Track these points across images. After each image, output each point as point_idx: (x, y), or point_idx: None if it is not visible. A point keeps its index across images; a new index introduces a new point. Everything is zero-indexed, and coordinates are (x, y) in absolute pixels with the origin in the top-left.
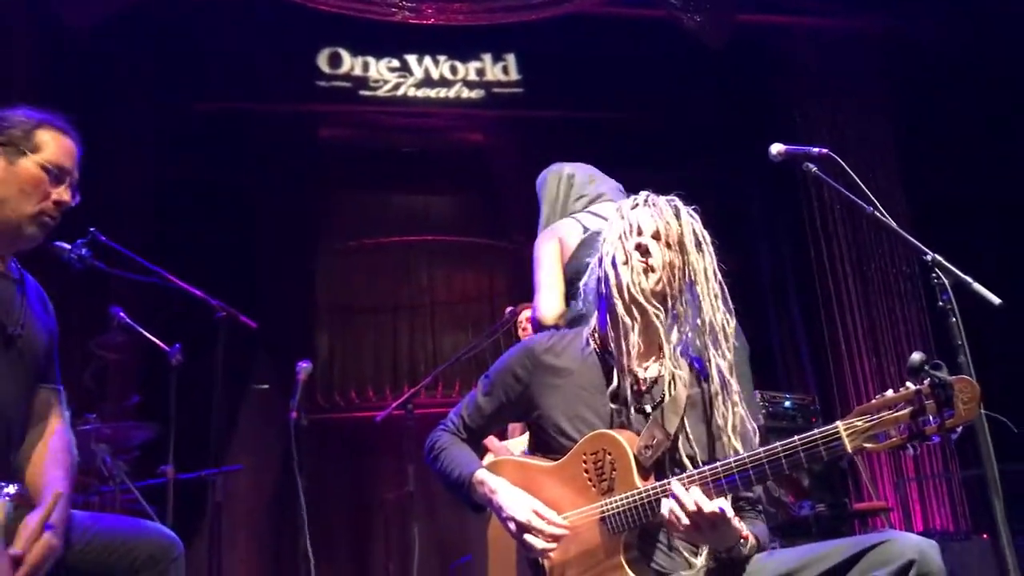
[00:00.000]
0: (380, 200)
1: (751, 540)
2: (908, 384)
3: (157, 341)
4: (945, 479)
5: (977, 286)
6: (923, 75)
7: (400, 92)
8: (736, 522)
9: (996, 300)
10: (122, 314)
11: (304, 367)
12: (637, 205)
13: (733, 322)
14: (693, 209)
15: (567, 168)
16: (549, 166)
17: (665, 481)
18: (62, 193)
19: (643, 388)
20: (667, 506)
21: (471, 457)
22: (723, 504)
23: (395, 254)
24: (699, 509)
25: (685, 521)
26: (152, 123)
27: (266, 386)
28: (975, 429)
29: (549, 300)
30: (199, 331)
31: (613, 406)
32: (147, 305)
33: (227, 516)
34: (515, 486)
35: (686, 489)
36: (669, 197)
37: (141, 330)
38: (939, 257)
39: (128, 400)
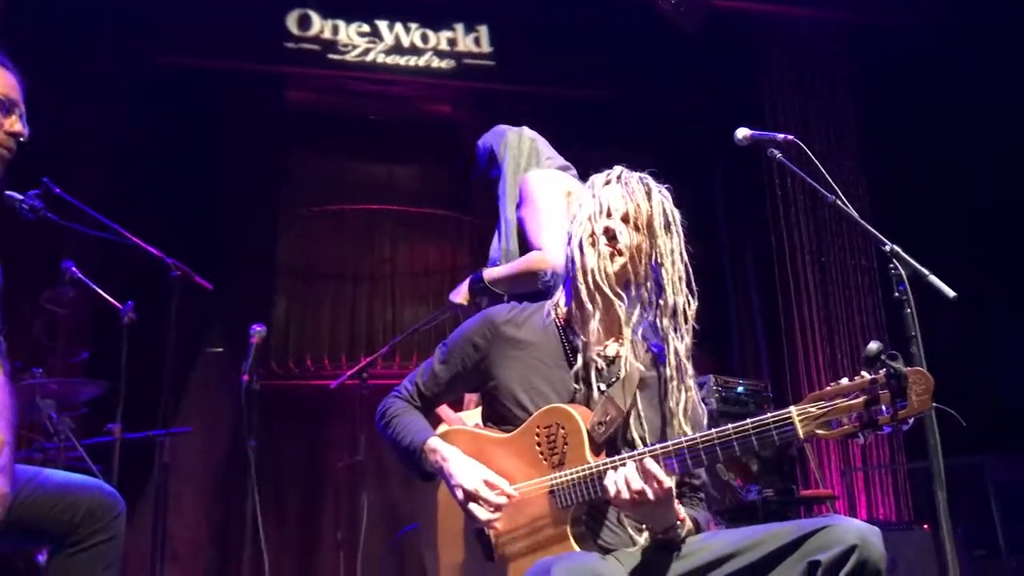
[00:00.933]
0: (344, 166)
1: (688, 523)
2: (863, 373)
3: (109, 298)
4: (891, 470)
5: (933, 278)
6: (890, 68)
7: (369, 58)
8: (676, 504)
9: (951, 293)
10: (74, 268)
11: (258, 330)
12: (609, 182)
13: (695, 304)
14: (666, 188)
15: (526, 131)
16: (502, 127)
17: (617, 457)
18: (13, 124)
19: (601, 367)
20: (613, 477)
21: (424, 425)
22: (668, 481)
23: (357, 222)
24: (647, 480)
25: (625, 495)
26: (114, 75)
27: (220, 349)
28: (923, 421)
29: (558, 246)
30: (153, 290)
31: (575, 386)
32: (101, 261)
33: (174, 478)
34: (467, 455)
35: (638, 463)
36: (642, 175)
37: (93, 286)
38: (897, 248)
39: (77, 356)
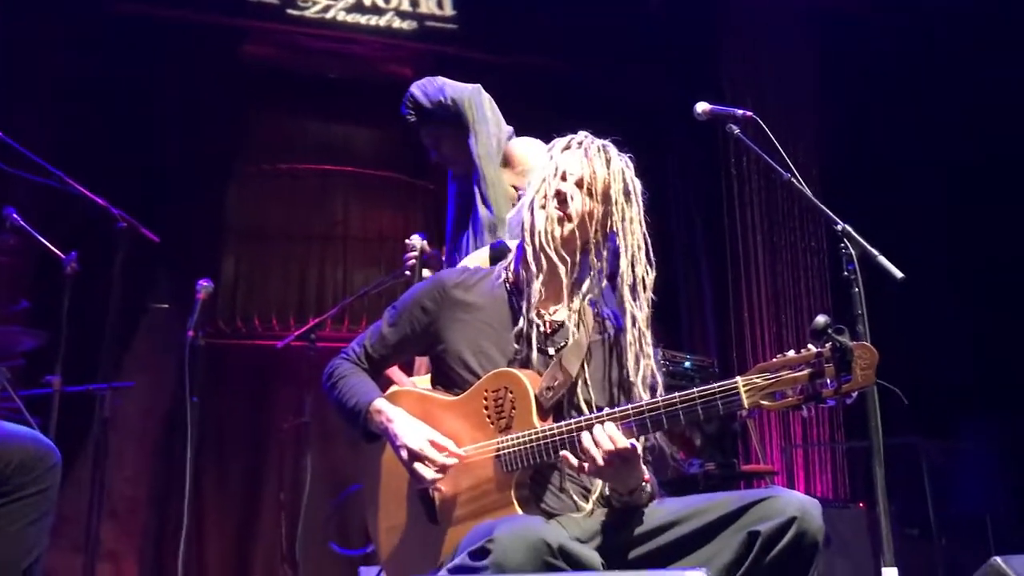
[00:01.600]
0: (299, 125)
1: (650, 485)
2: (810, 346)
3: (52, 247)
4: (830, 448)
5: (882, 259)
6: (848, 53)
7: (329, 15)
8: (642, 464)
9: (899, 274)
10: (16, 215)
11: (204, 286)
12: (569, 147)
13: (653, 274)
14: (629, 157)
15: (484, 93)
16: (455, 81)
17: (563, 423)
18: None
19: (549, 331)
20: (587, 439)
21: (370, 387)
22: (635, 442)
23: (311, 182)
24: (615, 445)
25: (599, 460)
26: (65, 22)
27: (166, 306)
28: (865, 399)
29: None
30: (98, 241)
31: (516, 345)
32: (44, 209)
33: (115, 433)
34: (413, 417)
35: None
36: (604, 143)
37: (35, 234)
38: (849, 228)
39: (16, 305)
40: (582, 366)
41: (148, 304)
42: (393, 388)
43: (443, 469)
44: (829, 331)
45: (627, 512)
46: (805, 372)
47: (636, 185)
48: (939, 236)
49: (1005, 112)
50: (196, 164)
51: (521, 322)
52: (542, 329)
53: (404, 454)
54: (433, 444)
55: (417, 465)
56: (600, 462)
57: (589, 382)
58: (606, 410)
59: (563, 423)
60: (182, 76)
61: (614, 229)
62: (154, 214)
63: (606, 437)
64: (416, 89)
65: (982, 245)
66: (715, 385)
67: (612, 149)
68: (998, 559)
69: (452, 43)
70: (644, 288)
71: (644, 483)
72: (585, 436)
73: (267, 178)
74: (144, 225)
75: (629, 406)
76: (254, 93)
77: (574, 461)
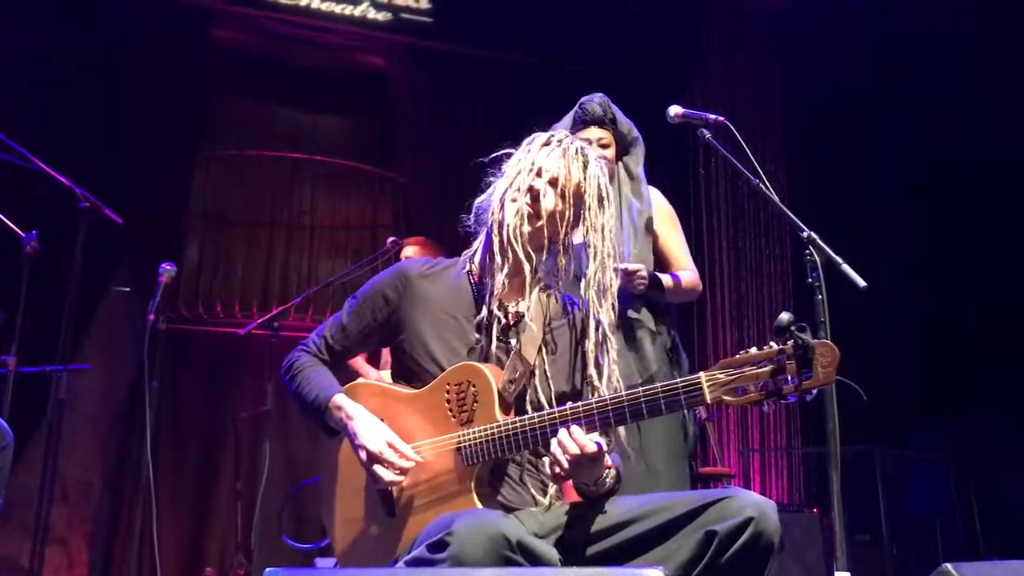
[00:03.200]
0: (268, 112)
1: (613, 470)
2: (772, 343)
3: (11, 224)
4: (787, 453)
5: (846, 267)
6: (816, 59)
7: (303, 2)
8: (606, 456)
9: (862, 283)
10: None
11: (167, 269)
12: (548, 144)
13: (618, 283)
14: (607, 163)
15: None
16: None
17: (530, 416)
18: None
19: (511, 322)
20: (553, 446)
21: (330, 380)
22: (599, 439)
23: (278, 169)
24: (581, 450)
25: (566, 466)
26: (29, 1)
27: (127, 289)
28: (823, 403)
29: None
30: (60, 221)
31: (476, 336)
32: (5, 186)
33: (70, 417)
34: (373, 413)
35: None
36: (583, 145)
37: None
38: (814, 235)
39: None
40: (540, 356)
41: (109, 286)
42: (355, 381)
43: (401, 472)
44: (792, 328)
45: (585, 508)
46: (767, 368)
47: (610, 192)
48: (894, 244)
49: (975, 114)
50: (162, 147)
51: (483, 312)
52: (504, 321)
53: (363, 455)
54: (392, 447)
55: (375, 466)
56: (567, 467)
57: (548, 372)
58: (568, 405)
59: (525, 417)
60: (149, 57)
61: (585, 232)
62: (118, 195)
63: (572, 442)
64: (617, 113)
65: (938, 255)
66: (678, 380)
67: (590, 152)
68: (948, 566)
69: (427, 36)
70: (609, 296)
71: (607, 470)
72: (552, 443)
73: (234, 164)
74: (107, 206)
75: (592, 401)
76: (222, 78)
77: (545, 467)
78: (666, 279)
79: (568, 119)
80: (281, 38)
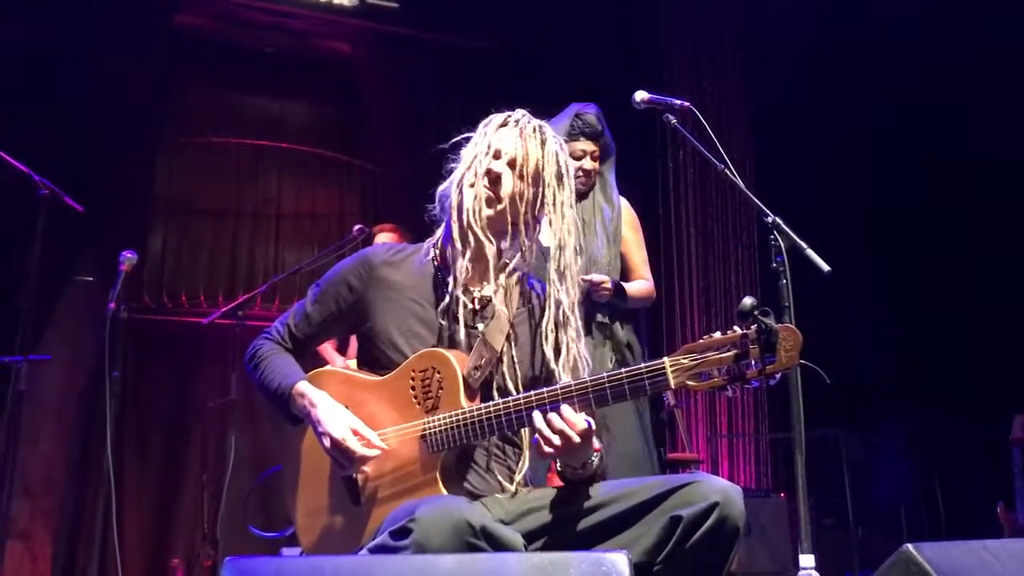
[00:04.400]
0: (233, 98)
1: (599, 455)
2: (736, 327)
3: None
4: (754, 439)
5: (810, 252)
6: (781, 50)
7: None
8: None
9: (826, 267)
10: None
11: (128, 257)
12: (505, 124)
13: (581, 261)
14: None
15: None
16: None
17: (495, 402)
18: None
19: (476, 307)
20: (540, 422)
21: (293, 368)
22: (589, 419)
23: (244, 157)
24: (574, 428)
25: (557, 441)
26: None
27: (90, 279)
28: (788, 388)
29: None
30: (19, 209)
31: (442, 322)
32: None
33: (31, 408)
34: (337, 400)
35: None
36: (540, 124)
37: None
38: (779, 220)
39: None
40: (507, 342)
41: (71, 276)
42: (319, 368)
43: (365, 460)
44: (755, 313)
45: (551, 494)
46: (730, 353)
47: (569, 169)
48: (862, 233)
49: (934, 111)
50: (124, 134)
51: (447, 299)
52: (469, 306)
53: (327, 442)
54: (356, 434)
55: (339, 454)
56: (559, 444)
57: (516, 358)
58: (533, 392)
59: (490, 403)
60: (112, 43)
61: (545, 212)
62: (80, 184)
63: (561, 420)
64: (601, 119)
65: (904, 243)
66: (643, 365)
67: (548, 130)
68: (909, 546)
69: (393, 22)
70: (571, 275)
71: (595, 453)
72: (538, 418)
73: (199, 151)
74: (69, 194)
75: (557, 387)
76: (187, 64)
77: (544, 439)
78: (630, 287)
79: (563, 124)
80: (246, 24)
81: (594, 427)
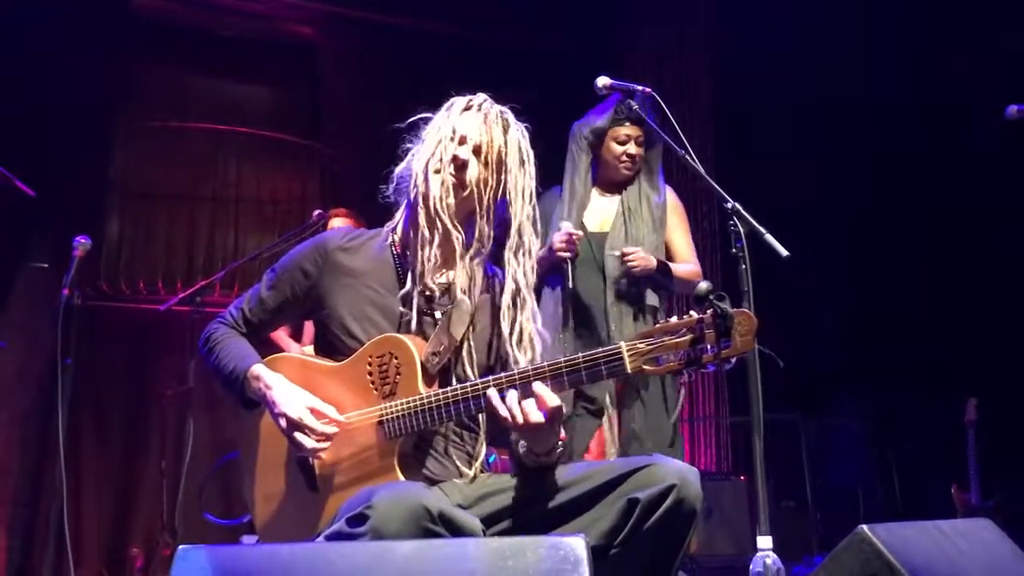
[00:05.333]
0: (192, 82)
1: (563, 444)
2: (692, 312)
3: None
4: (715, 422)
5: (768, 237)
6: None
7: None
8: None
9: (784, 252)
10: None
11: (82, 243)
12: (469, 108)
13: (539, 244)
14: (525, 127)
15: None
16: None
17: (453, 388)
18: None
19: (435, 294)
20: (513, 397)
21: (248, 351)
22: (556, 400)
23: (203, 142)
24: (546, 404)
25: (520, 419)
26: None
27: (45, 265)
28: (746, 370)
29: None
30: None
31: (402, 309)
32: None
33: None
34: (293, 383)
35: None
36: (503, 109)
37: None
38: (738, 206)
39: None
40: (468, 330)
41: (25, 262)
42: (276, 354)
43: (324, 438)
44: (711, 297)
45: (509, 478)
46: (687, 338)
47: (530, 155)
48: (822, 218)
49: (891, 103)
50: (80, 117)
51: (408, 285)
52: (429, 293)
53: (283, 422)
54: (313, 411)
55: (296, 434)
56: (533, 419)
57: (474, 346)
58: (491, 377)
59: (448, 389)
60: (67, 24)
61: (506, 197)
62: (32, 168)
63: (532, 401)
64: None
65: (863, 227)
66: (600, 350)
67: (510, 116)
68: (864, 527)
69: (355, 5)
70: (529, 255)
71: (560, 442)
72: (511, 396)
73: (157, 135)
74: (21, 179)
75: (515, 371)
76: (144, 46)
77: (504, 412)
78: (675, 267)
79: (608, 112)
80: (205, 6)
81: (564, 412)
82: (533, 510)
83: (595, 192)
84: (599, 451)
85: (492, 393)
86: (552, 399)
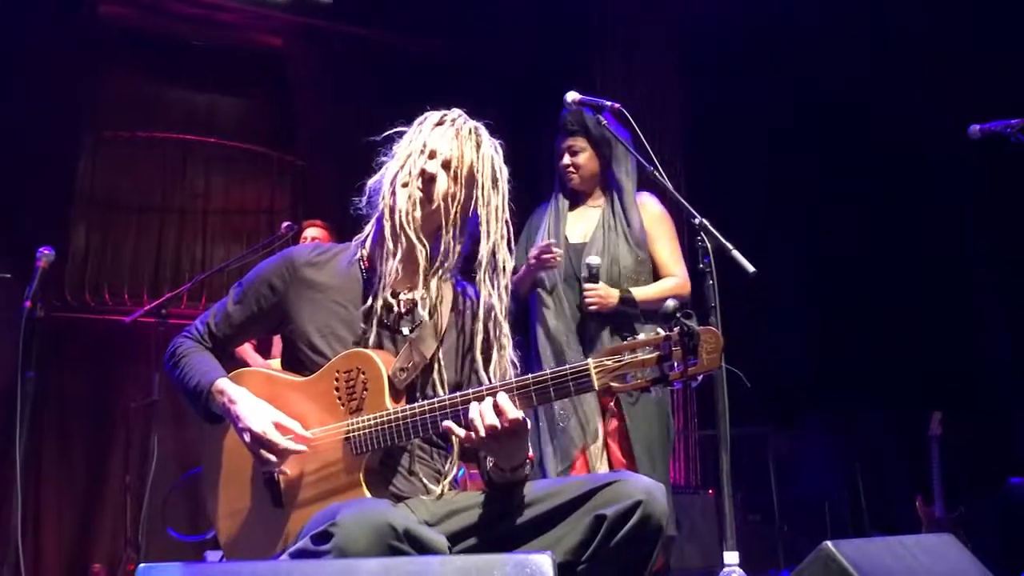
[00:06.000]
0: (160, 92)
1: (532, 463)
2: (659, 329)
3: None
4: (683, 436)
5: (735, 253)
6: (714, 59)
7: None
8: (528, 439)
9: (751, 268)
10: None
11: (45, 254)
12: (442, 123)
13: (512, 264)
14: (500, 144)
15: None
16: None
17: (420, 404)
18: None
19: (403, 310)
20: (475, 410)
21: (213, 365)
22: (519, 414)
23: (170, 152)
24: (506, 415)
25: (481, 431)
26: None
27: (7, 275)
28: (715, 386)
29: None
30: None
31: (363, 325)
32: None
33: None
34: (259, 398)
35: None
36: (477, 124)
37: None
38: (705, 221)
39: None
40: (437, 349)
41: None
42: (241, 369)
43: (288, 453)
44: (678, 315)
45: (476, 495)
46: (653, 355)
47: (504, 172)
48: (790, 234)
49: (859, 118)
50: (43, 126)
51: (371, 301)
52: (396, 309)
53: (247, 437)
54: (278, 427)
55: (261, 449)
56: (483, 433)
57: (443, 364)
58: (458, 394)
59: (415, 405)
60: (33, 32)
61: (476, 212)
62: None
63: (492, 409)
64: (585, 110)
65: (830, 243)
66: (567, 367)
67: (483, 132)
68: (829, 543)
69: (326, 17)
70: (503, 276)
71: (528, 460)
72: (473, 407)
73: (124, 145)
74: None
75: (483, 388)
76: (112, 55)
77: (460, 432)
78: (645, 291)
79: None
80: (174, 15)
81: (529, 425)
82: (500, 527)
83: (578, 206)
84: (584, 467)
85: (472, 406)
86: (513, 411)
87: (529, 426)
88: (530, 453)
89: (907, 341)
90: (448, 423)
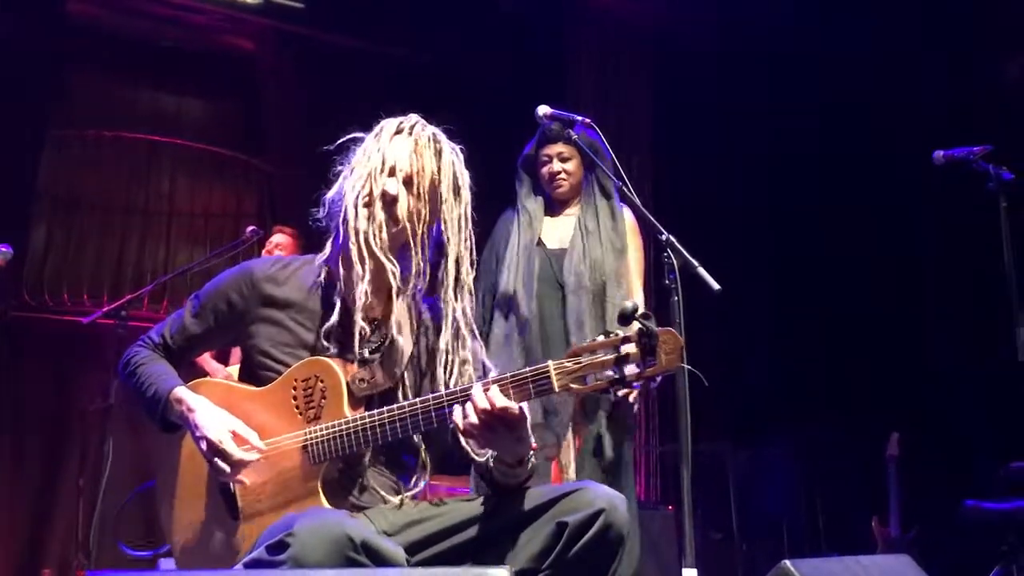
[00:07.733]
0: (127, 92)
1: (535, 457)
2: (618, 331)
3: None
4: (644, 451)
5: (701, 270)
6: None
7: None
8: (529, 432)
9: (716, 286)
10: None
11: (3, 251)
12: (400, 132)
13: (474, 273)
14: (460, 149)
15: None
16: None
17: (375, 411)
18: None
19: (366, 331)
20: (468, 404)
21: (171, 373)
22: (523, 407)
23: (136, 152)
24: (492, 406)
25: (474, 419)
26: None
27: None
28: (677, 402)
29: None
30: None
31: (324, 343)
32: None
33: None
34: (217, 407)
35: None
36: (436, 131)
37: None
38: (672, 238)
39: None
40: (404, 369)
41: None
42: (199, 379)
43: (244, 463)
44: (636, 316)
45: (436, 504)
46: (612, 356)
47: (465, 179)
48: (756, 252)
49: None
50: (7, 122)
51: (332, 319)
52: (359, 331)
53: (204, 446)
54: (235, 436)
55: (217, 459)
56: (479, 423)
57: (409, 385)
58: (419, 399)
59: (374, 412)
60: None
61: (441, 227)
62: None
63: (484, 399)
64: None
65: (795, 263)
66: (527, 369)
67: (443, 139)
68: (787, 562)
69: (298, 21)
70: (466, 288)
71: (532, 451)
72: (470, 402)
73: (88, 145)
74: None
75: (443, 392)
76: (80, 54)
77: (460, 423)
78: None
79: (534, 141)
80: (144, 15)
81: (529, 419)
82: (460, 536)
83: (555, 214)
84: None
85: (456, 410)
86: (501, 399)
87: (527, 419)
88: (533, 444)
89: (867, 363)
90: (455, 412)
